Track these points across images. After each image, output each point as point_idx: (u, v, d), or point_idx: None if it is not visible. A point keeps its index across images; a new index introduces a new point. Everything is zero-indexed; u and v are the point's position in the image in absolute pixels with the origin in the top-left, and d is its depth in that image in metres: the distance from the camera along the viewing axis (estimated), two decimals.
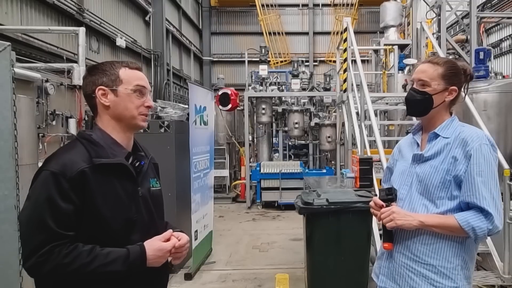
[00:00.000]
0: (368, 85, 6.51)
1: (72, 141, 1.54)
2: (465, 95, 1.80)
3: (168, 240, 1.52)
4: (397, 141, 2.02)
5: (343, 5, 18.36)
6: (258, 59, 10.98)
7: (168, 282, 1.69)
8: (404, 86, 7.40)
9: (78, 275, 1.35)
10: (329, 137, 9.79)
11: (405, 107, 1.87)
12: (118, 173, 1.46)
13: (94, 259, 1.35)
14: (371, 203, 1.77)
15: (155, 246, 1.46)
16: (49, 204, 1.33)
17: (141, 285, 1.50)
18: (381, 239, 1.78)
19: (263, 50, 10.93)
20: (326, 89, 10.73)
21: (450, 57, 8.13)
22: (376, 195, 2.98)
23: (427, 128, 1.79)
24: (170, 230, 1.56)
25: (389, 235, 1.74)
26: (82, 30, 5.02)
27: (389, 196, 1.72)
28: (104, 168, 1.42)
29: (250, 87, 10.21)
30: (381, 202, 1.72)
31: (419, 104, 1.74)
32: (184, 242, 1.55)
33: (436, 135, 1.73)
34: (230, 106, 9.38)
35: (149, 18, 13.01)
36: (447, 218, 1.62)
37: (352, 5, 18.15)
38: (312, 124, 10.31)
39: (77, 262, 1.33)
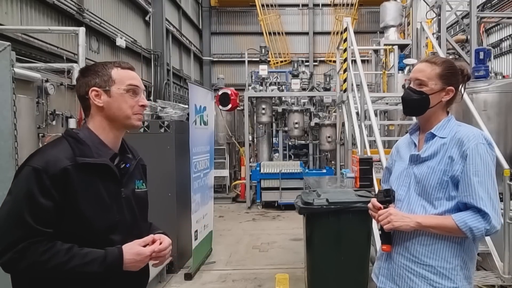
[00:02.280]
0: (368, 85, 6.51)
1: (58, 138, 1.52)
2: (462, 96, 1.79)
3: (151, 243, 1.51)
4: (397, 141, 2.02)
5: (343, 5, 18.36)
6: (258, 59, 10.97)
7: (146, 286, 1.66)
8: (404, 86, 7.39)
9: (55, 273, 1.34)
10: (329, 137, 9.79)
11: None
12: (101, 174, 1.44)
13: (72, 258, 1.34)
14: (369, 205, 1.77)
15: (134, 250, 1.44)
16: (28, 199, 1.32)
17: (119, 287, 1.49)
18: (381, 239, 1.77)
19: (263, 50, 10.93)
20: (326, 89, 10.74)
21: (450, 57, 8.14)
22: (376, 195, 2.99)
23: (424, 128, 1.78)
24: (151, 235, 1.54)
25: (387, 237, 1.73)
26: (82, 30, 5.04)
27: (387, 197, 1.72)
28: (87, 167, 1.41)
29: (250, 87, 10.21)
30: (379, 204, 1.71)
31: (415, 103, 1.73)
32: (165, 246, 1.53)
33: (433, 135, 1.72)
34: (230, 106, 9.38)
35: (149, 18, 13.02)
36: (444, 218, 1.61)
37: (352, 5, 18.16)
38: (312, 124, 10.31)
39: (54, 260, 1.32)
